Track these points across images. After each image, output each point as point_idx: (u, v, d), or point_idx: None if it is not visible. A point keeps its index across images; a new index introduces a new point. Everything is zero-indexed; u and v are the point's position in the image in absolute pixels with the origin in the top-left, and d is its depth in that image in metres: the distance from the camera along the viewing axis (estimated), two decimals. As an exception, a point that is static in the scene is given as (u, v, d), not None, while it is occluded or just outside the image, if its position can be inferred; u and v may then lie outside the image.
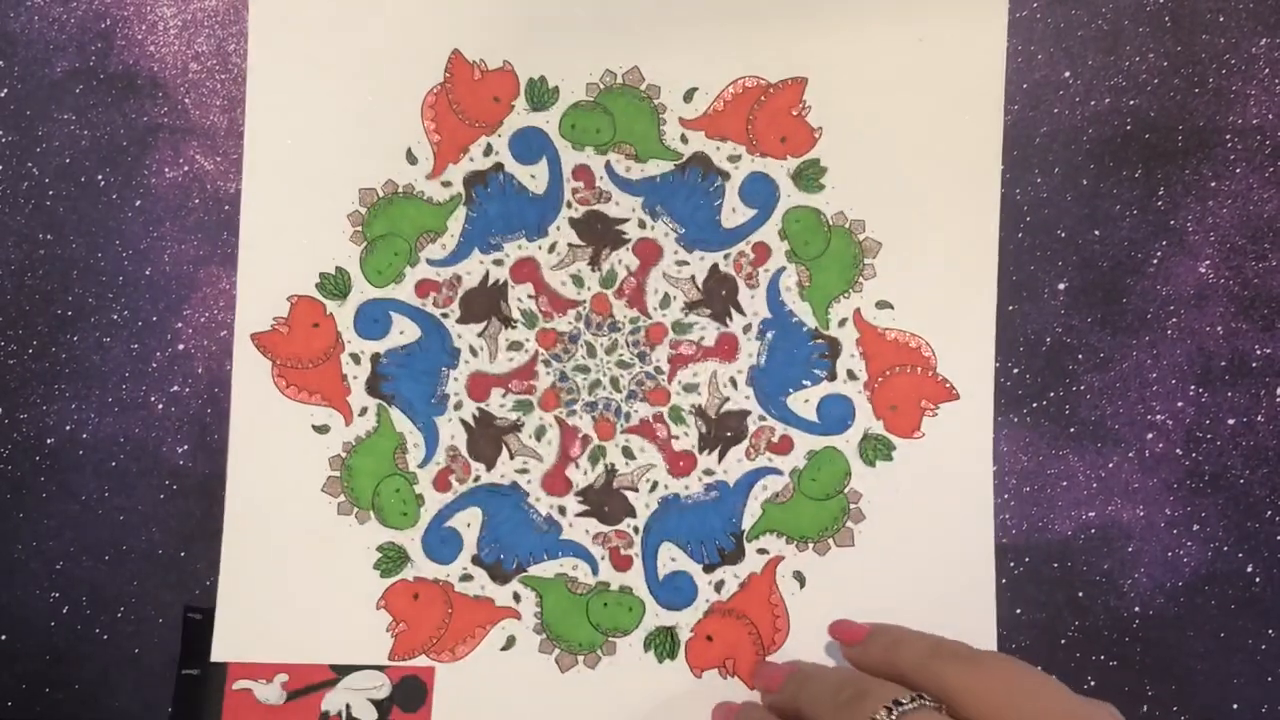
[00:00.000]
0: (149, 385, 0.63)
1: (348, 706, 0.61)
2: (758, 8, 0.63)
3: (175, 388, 0.63)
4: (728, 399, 0.63)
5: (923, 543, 0.62)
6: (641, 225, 0.64)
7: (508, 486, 0.63)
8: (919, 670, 0.53)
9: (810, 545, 0.63)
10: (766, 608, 0.62)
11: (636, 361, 0.63)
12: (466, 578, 0.62)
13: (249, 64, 0.63)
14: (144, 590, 0.63)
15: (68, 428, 0.63)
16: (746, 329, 0.63)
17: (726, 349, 0.63)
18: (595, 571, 0.63)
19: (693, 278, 0.64)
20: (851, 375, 0.63)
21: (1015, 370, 0.63)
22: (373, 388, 0.63)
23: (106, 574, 0.63)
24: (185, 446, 0.63)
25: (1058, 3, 0.63)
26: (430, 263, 0.63)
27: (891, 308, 0.63)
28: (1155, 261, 0.63)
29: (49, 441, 0.63)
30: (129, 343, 0.63)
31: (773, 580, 0.63)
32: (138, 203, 0.63)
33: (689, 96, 0.64)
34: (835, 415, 0.63)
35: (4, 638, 0.63)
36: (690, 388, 0.63)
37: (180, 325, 0.63)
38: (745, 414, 0.63)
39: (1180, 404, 0.63)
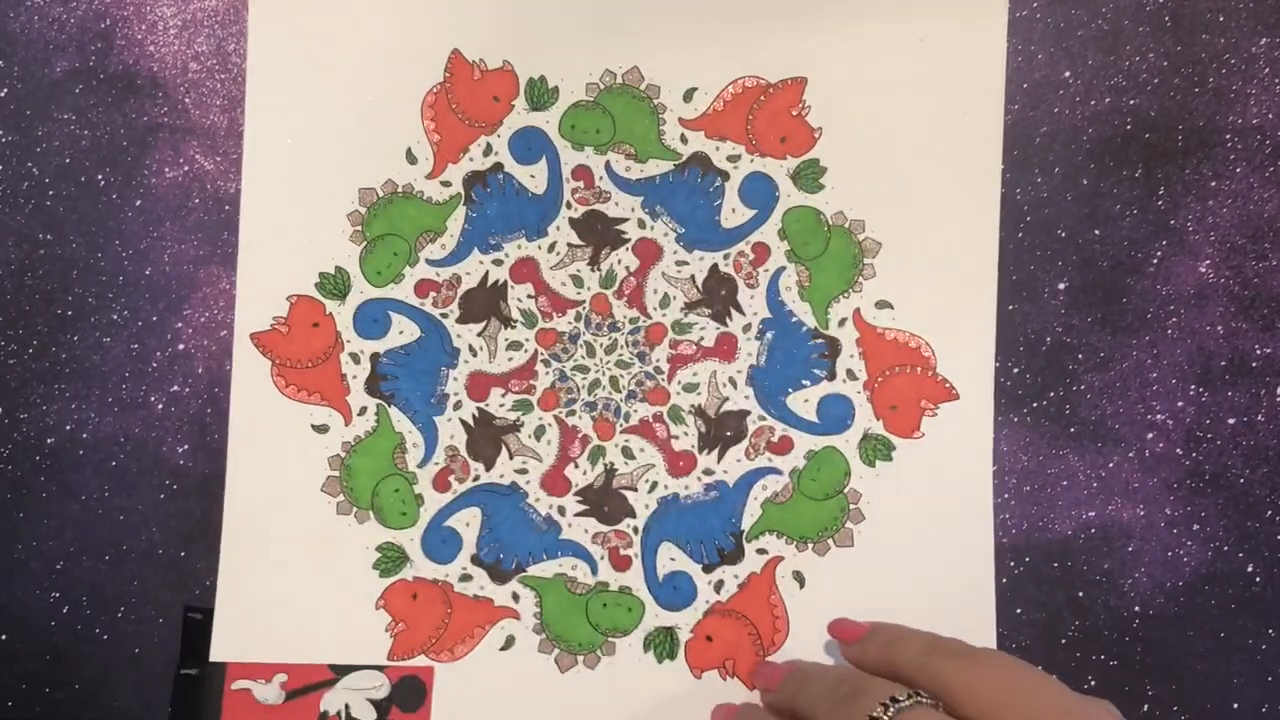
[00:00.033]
0: (149, 385, 0.63)
1: (346, 706, 0.61)
2: (758, 8, 0.63)
3: (175, 388, 0.63)
4: (727, 399, 0.63)
5: (922, 543, 0.62)
6: (641, 225, 0.64)
7: (507, 486, 0.63)
8: (916, 668, 0.53)
9: (810, 545, 0.63)
10: (766, 608, 0.62)
11: (636, 361, 0.63)
12: (466, 578, 0.62)
13: (249, 64, 0.63)
14: (144, 590, 0.63)
15: (68, 428, 0.63)
16: (746, 329, 0.63)
17: (726, 349, 0.63)
18: (594, 571, 0.63)
19: (692, 278, 0.64)
20: (851, 375, 0.63)
21: (1015, 370, 0.63)
22: (372, 387, 0.63)
23: (106, 574, 0.63)
24: (185, 446, 0.63)
25: (1058, 3, 0.63)
26: (430, 263, 0.63)
27: (891, 308, 0.63)
28: (1155, 261, 0.63)
29: (49, 441, 0.63)
30: (129, 343, 0.63)
31: (772, 580, 0.63)
32: (138, 203, 0.63)
33: (689, 96, 0.64)
34: (835, 415, 0.63)
35: (4, 638, 0.63)
36: (690, 388, 0.63)
37: (180, 325, 0.63)
38: (745, 414, 0.63)
39: (1180, 404, 0.63)
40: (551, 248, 0.64)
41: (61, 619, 0.63)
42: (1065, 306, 0.63)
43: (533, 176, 0.64)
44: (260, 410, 0.63)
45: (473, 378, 0.63)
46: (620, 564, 0.63)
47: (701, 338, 0.63)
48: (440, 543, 0.63)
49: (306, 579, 0.62)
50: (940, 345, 0.63)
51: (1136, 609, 0.63)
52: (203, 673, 0.62)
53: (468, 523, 0.63)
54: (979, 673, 0.51)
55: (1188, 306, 0.63)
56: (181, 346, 0.63)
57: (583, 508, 0.63)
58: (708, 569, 0.63)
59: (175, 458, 0.63)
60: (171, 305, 0.63)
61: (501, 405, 0.63)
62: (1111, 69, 0.63)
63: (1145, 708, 0.62)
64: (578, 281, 0.64)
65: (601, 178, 0.64)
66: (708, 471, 0.63)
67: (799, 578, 0.63)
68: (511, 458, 0.63)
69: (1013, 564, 0.62)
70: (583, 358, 0.63)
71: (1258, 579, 0.63)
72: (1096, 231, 0.63)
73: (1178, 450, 0.63)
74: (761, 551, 0.63)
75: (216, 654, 0.62)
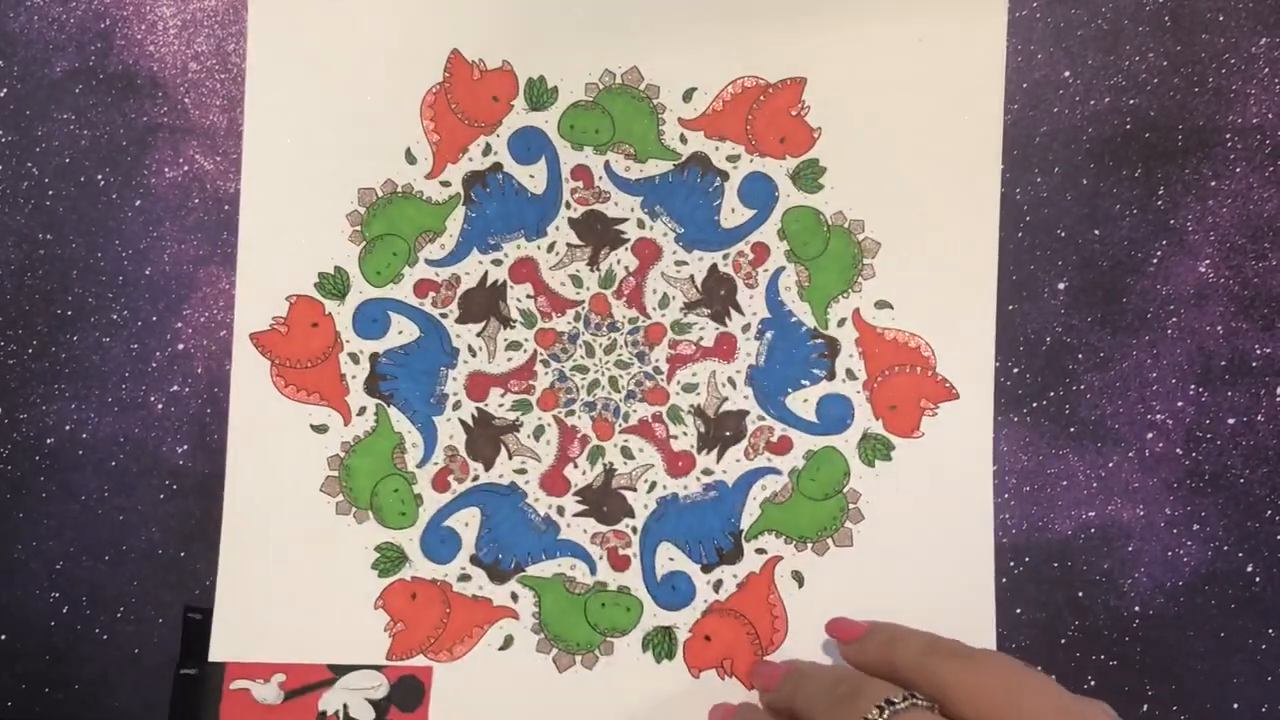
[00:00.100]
0: (149, 385, 0.63)
1: (345, 706, 0.61)
2: (757, 8, 0.63)
3: (175, 388, 0.63)
4: (726, 399, 0.63)
5: (922, 543, 0.62)
6: (640, 225, 0.64)
7: (506, 486, 0.63)
8: (914, 668, 0.53)
9: (809, 545, 0.63)
10: (765, 607, 0.62)
11: (635, 361, 0.63)
12: (465, 577, 0.62)
13: (248, 64, 0.63)
14: (144, 590, 0.63)
15: (68, 428, 0.63)
16: (745, 329, 0.63)
17: (725, 349, 0.63)
18: (593, 571, 0.63)
19: (692, 278, 0.64)
20: (851, 375, 0.63)
21: (1015, 370, 0.63)
22: (371, 387, 0.63)
23: (106, 574, 0.63)
24: (185, 446, 0.63)
25: (1058, 2, 0.63)
26: (429, 263, 0.63)
27: (891, 308, 0.63)
28: (1155, 261, 0.63)
29: (49, 441, 0.63)
30: (129, 343, 0.63)
31: (771, 580, 0.63)
32: (138, 203, 0.63)
33: (688, 96, 0.64)
34: (834, 415, 0.63)
35: (4, 638, 0.63)
36: (689, 388, 0.63)
37: (180, 325, 0.63)
38: (744, 414, 0.63)
39: (1180, 404, 0.63)
40: (551, 248, 0.64)
41: (61, 619, 0.63)
42: (1065, 306, 0.63)
43: (532, 176, 0.64)
44: (259, 410, 0.63)
45: (472, 378, 0.63)
46: (619, 564, 0.63)
47: (701, 338, 0.63)
48: (439, 543, 0.63)
49: (305, 579, 0.62)
50: (940, 345, 0.63)
51: (1136, 609, 0.63)
52: (201, 673, 0.62)
53: (467, 523, 0.63)
54: (977, 673, 0.51)
55: (1188, 306, 0.63)
56: (181, 346, 0.63)
57: (582, 508, 0.63)
58: (706, 569, 0.63)
59: (175, 458, 0.63)
60: (171, 305, 0.63)
61: (501, 405, 0.63)
62: (1111, 69, 0.63)
63: (1145, 708, 0.62)
64: (577, 281, 0.64)
65: (601, 178, 0.64)
66: (707, 471, 0.63)
67: (798, 577, 0.63)
68: (511, 458, 0.63)
69: (1013, 564, 0.62)
70: (582, 358, 0.63)
71: (1258, 579, 0.63)
72: (1096, 231, 0.63)
73: (1178, 450, 0.63)
74: (760, 551, 0.63)
75: (215, 654, 0.62)
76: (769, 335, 0.63)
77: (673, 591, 0.62)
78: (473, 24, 0.64)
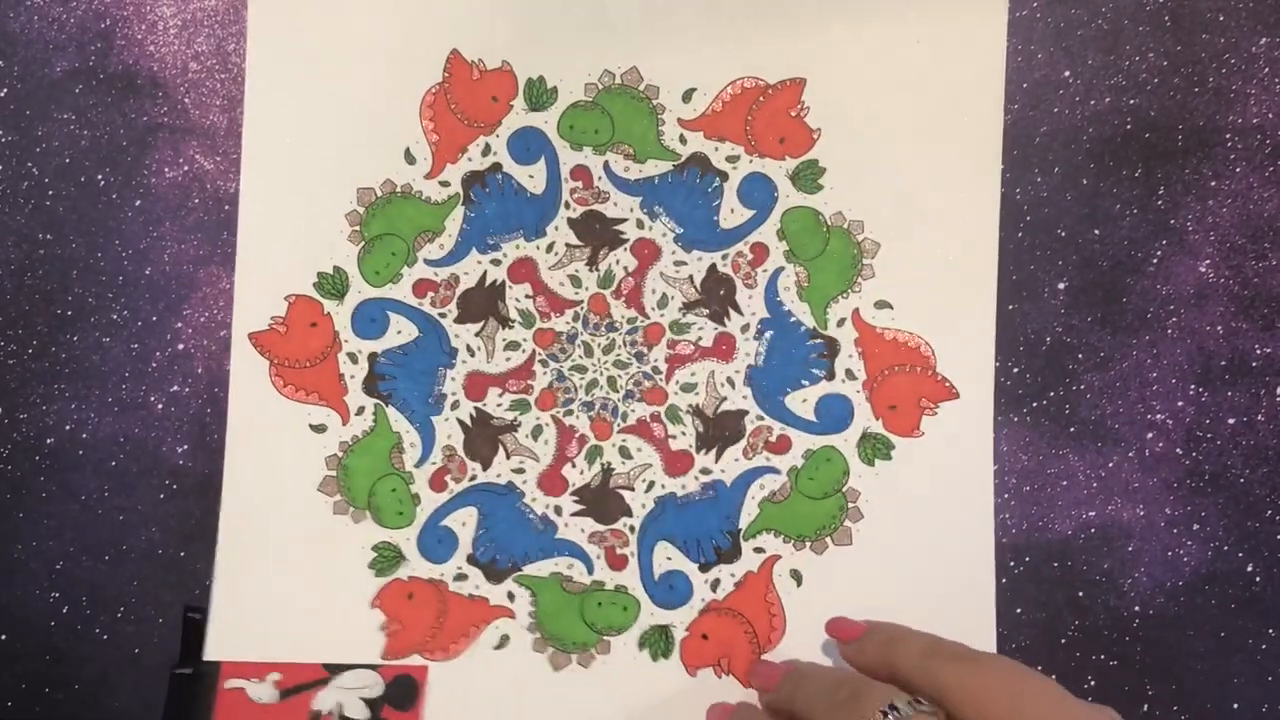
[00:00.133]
0: (149, 385, 0.63)
1: (340, 705, 0.61)
2: (757, 8, 0.63)
3: (175, 387, 0.63)
4: (725, 399, 0.63)
5: (922, 542, 0.62)
6: (640, 225, 0.64)
7: (504, 486, 0.63)
8: (916, 670, 0.53)
9: (808, 544, 0.63)
10: (763, 606, 0.62)
11: (634, 361, 0.63)
12: (461, 577, 0.62)
13: (248, 64, 0.63)
14: (144, 590, 0.63)
15: (68, 428, 0.63)
16: (744, 329, 0.63)
17: (724, 349, 0.63)
18: (590, 571, 0.63)
19: (691, 278, 0.64)
20: (850, 375, 0.63)
21: (1015, 370, 0.63)
22: (370, 387, 0.63)
23: (106, 574, 0.63)
24: (185, 446, 0.63)
25: (1058, 2, 0.63)
26: (428, 263, 0.63)
27: (891, 308, 0.63)
28: (1155, 261, 0.63)
29: (49, 441, 0.63)
30: (129, 343, 0.63)
31: (769, 579, 0.62)
32: (137, 203, 0.63)
33: (688, 97, 0.64)
34: (834, 415, 0.63)
35: (4, 638, 0.63)
36: (688, 387, 0.63)
37: (180, 325, 0.63)
38: (743, 414, 0.63)
39: (1180, 404, 0.63)
40: (550, 248, 0.64)
41: (61, 619, 0.63)
42: (1065, 306, 0.63)
43: (531, 177, 0.64)
44: (258, 410, 0.63)
45: (470, 378, 0.63)
46: (616, 563, 0.63)
47: (699, 338, 0.63)
48: (436, 542, 0.62)
49: (302, 579, 0.62)
50: (940, 345, 0.63)
51: (1136, 609, 0.62)
52: (196, 672, 0.61)
53: (464, 522, 0.63)
54: (980, 677, 0.51)
55: (1188, 306, 0.63)
56: (181, 346, 0.63)
57: (579, 507, 0.63)
58: (704, 568, 0.63)
59: (175, 458, 0.63)
60: (171, 305, 0.63)
61: (499, 405, 0.63)
62: (1111, 69, 0.63)
63: (1145, 708, 0.62)
64: (576, 281, 0.64)
65: (600, 178, 0.64)
66: (705, 471, 0.63)
67: (796, 576, 0.62)
68: (508, 457, 0.63)
69: (1013, 564, 0.62)
70: (580, 358, 0.63)
71: (1258, 579, 0.62)
72: (1096, 231, 0.63)
73: (1178, 450, 0.63)
74: (759, 550, 0.63)
75: (211, 653, 0.62)
76: (768, 335, 0.63)
77: (670, 591, 0.62)
78: (472, 24, 0.64)
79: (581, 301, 0.63)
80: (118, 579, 0.63)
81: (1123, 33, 0.63)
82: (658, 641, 0.62)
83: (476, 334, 0.63)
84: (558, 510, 0.63)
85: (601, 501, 0.63)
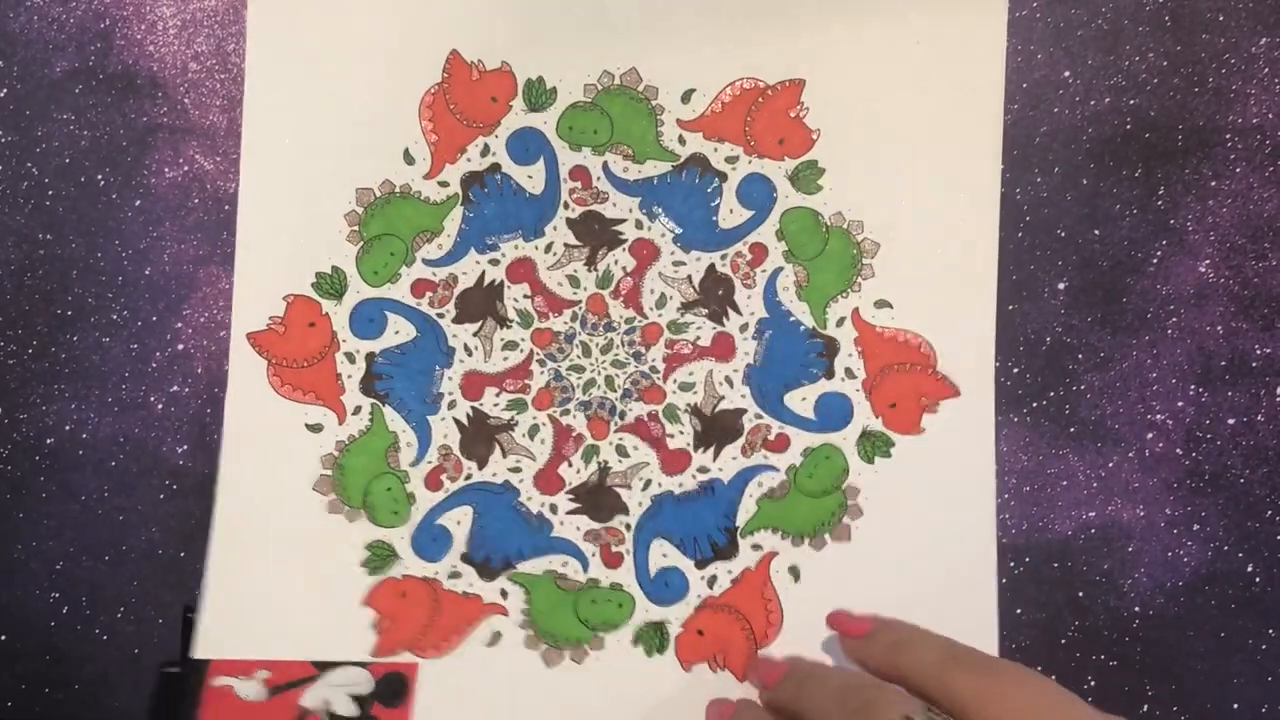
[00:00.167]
0: (148, 385, 0.63)
1: (328, 702, 0.61)
2: (756, 9, 0.63)
3: (175, 388, 0.63)
4: (723, 398, 0.63)
5: (922, 540, 0.62)
6: (638, 226, 0.64)
7: (499, 485, 0.63)
8: (930, 678, 0.51)
9: (806, 541, 0.62)
10: (760, 602, 0.62)
11: (632, 361, 0.63)
12: (455, 575, 0.62)
13: (247, 64, 0.63)
14: (144, 590, 0.63)
15: (68, 428, 0.63)
16: (743, 328, 0.63)
17: (723, 348, 0.63)
18: (586, 568, 0.62)
19: (689, 278, 0.63)
20: (850, 374, 0.63)
21: (1015, 370, 0.63)
22: (367, 387, 0.63)
23: (106, 574, 0.63)
24: (185, 446, 0.63)
25: (1058, 2, 0.63)
26: (427, 263, 0.63)
27: (890, 307, 0.63)
28: (1155, 261, 0.63)
29: (49, 441, 0.63)
30: (129, 343, 0.63)
31: (767, 575, 0.62)
32: (137, 203, 0.63)
33: (687, 98, 0.64)
34: (833, 413, 0.63)
35: (4, 638, 0.63)
36: (686, 387, 0.63)
37: (180, 325, 0.63)
38: (741, 412, 0.63)
39: (1180, 404, 0.63)
40: (548, 248, 0.64)
41: (61, 619, 0.63)
42: (1065, 306, 0.63)
43: (530, 177, 0.64)
44: (256, 410, 0.63)
45: (467, 377, 0.63)
46: (612, 561, 0.62)
47: (698, 337, 0.63)
48: (430, 541, 0.62)
49: (294, 577, 0.62)
50: (940, 346, 0.63)
51: (1136, 609, 0.62)
52: (185, 670, 0.61)
53: (459, 521, 0.63)
54: (999, 688, 0.49)
55: (1188, 306, 0.63)
56: (181, 346, 0.63)
57: (575, 505, 0.63)
58: (700, 565, 0.62)
59: (175, 458, 0.63)
60: (171, 305, 0.63)
61: (496, 404, 0.63)
62: (1111, 69, 0.63)
63: (1145, 708, 0.62)
64: (574, 282, 0.63)
65: (599, 178, 0.64)
66: (702, 469, 0.63)
67: (794, 572, 0.62)
68: (505, 456, 0.63)
69: (1013, 564, 0.62)
70: (578, 357, 0.63)
71: (1258, 579, 0.62)
72: (1096, 231, 0.63)
73: (1178, 450, 0.63)
74: (756, 548, 0.62)
75: (204, 651, 0.61)
76: (767, 335, 0.63)
77: (665, 587, 0.62)
78: (472, 24, 0.64)
79: (580, 301, 0.63)
80: (118, 579, 0.63)
81: (1123, 33, 0.63)
82: (652, 637, 0.62)
83: (474, 334, 0.63)
84: (553, 508, 0.63)
85: (598, 499, 0.63)
